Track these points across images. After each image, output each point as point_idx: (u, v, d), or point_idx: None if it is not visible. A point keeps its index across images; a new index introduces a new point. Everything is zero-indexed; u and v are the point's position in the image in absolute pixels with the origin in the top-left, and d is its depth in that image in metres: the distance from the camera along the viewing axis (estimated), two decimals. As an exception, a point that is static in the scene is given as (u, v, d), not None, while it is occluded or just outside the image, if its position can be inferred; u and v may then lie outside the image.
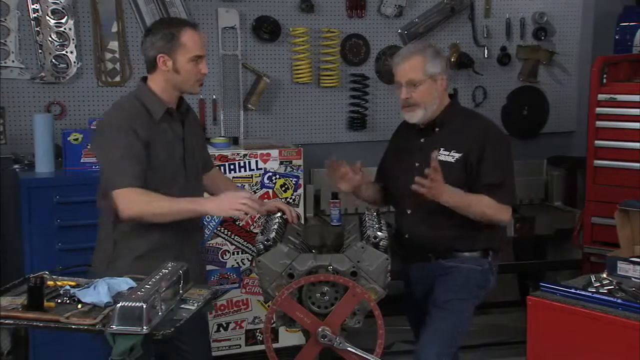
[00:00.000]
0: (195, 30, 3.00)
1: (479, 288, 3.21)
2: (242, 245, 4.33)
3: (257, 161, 4.35)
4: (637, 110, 4.29)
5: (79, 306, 2.49)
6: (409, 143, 3.31)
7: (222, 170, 4.18)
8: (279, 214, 3.20)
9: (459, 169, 3.15)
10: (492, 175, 3.13)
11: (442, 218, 3.14)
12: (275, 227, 3.00)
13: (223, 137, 4.58)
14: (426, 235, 3.21)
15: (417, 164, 3.22)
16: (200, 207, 2.94)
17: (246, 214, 2.89)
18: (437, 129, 3.24)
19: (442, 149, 3.17)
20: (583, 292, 2.72)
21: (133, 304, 2.31)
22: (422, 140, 3.26)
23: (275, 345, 3.15)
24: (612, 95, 4.39)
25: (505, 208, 3.16)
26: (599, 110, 4.44)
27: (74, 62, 4.42)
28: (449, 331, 3.14)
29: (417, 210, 3.22)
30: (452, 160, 3.16)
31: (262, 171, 4.36)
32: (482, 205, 3.11)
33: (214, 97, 4.75)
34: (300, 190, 4.44)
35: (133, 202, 2.85)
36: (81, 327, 2.38)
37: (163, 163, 2.97)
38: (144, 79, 3.05)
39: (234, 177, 4.22)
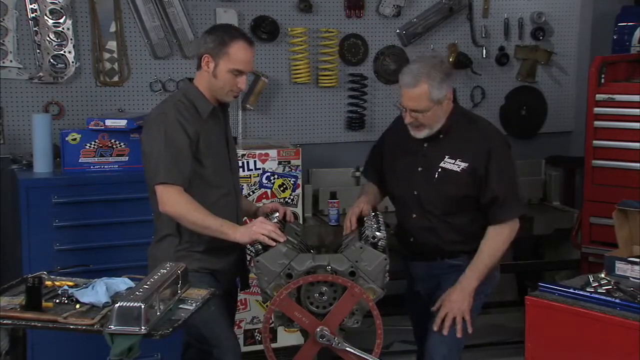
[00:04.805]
0: (248, 46, 3.04)
1: (486, 281, 3.19)
2: (241, 245, 4.32)
3: (255, 161, 4.35)
4: (636, 110, 4.28)
5: (77, 306, 2.50)
6: (411, 145, 3.23)
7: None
8: (277, 214, 3.21)
9: (465, 178, 3.13)
10: (499, 188, 3.11)
11: (448, 223, 3.15)
12: (274, 227, 3.00)
13: (221, 137, 4.58)
14: (433, 240, 3.20)
15: (420, 169, 3.20)
16: (229, 236, 2.94)
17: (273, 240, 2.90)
18: (441, 136, 3.18)
19: (447, 156, 3.15)
20: (581, 292, 2.72)
21: (131, 304, 2.31)
22: (425, 145, 3.20)
23: (273, 345, 3.14)
24: (610, 95, 4.38)
25: (513, 222, 3.17)
26: (597, 110, 4.43)
27: (72, 62, 4.41)
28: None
29: (423, 215, 3.20)
30: (458, 170, 3.13)
31: (261, 171, 4.36)
32: (495, 249, 3.14)
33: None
34: (299, 190, 4.44)
35: (177, 203, 2.93)
36: (79, 327, 2.38)
37: (211, 160, 3.05)
38: (190, 79, 3.12)
39: (232, 177, 4.21)
